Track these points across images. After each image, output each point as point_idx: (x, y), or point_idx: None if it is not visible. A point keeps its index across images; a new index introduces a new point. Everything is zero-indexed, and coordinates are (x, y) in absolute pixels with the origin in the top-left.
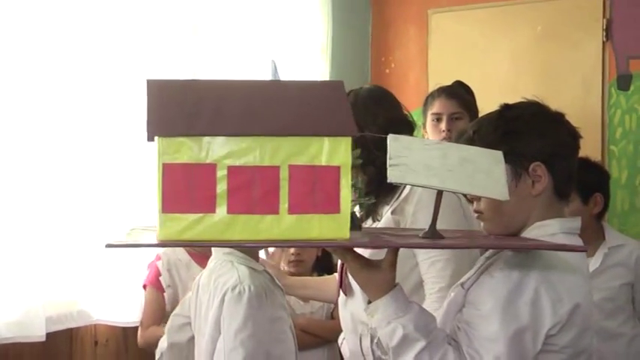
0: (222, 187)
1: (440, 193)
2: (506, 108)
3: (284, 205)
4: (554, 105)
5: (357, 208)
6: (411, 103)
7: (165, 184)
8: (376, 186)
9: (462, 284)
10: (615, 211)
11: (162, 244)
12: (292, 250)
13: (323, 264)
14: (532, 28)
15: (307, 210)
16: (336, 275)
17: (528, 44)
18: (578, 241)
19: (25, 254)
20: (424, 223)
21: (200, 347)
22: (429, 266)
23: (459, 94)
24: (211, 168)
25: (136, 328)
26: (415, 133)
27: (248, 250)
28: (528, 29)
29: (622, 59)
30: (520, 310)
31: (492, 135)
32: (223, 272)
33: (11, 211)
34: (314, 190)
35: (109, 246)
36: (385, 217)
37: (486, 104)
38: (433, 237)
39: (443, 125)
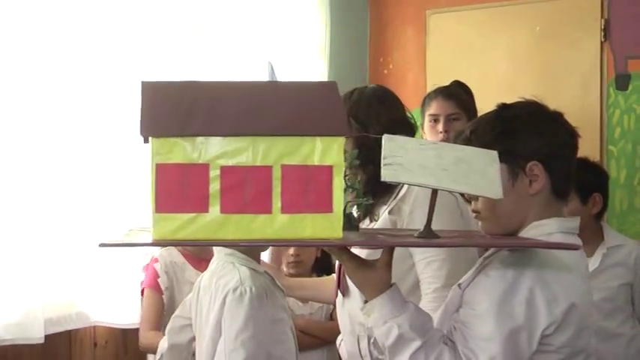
0: (215, 187)
1: (435, 192)
2: (503, 107)
3: (277, 204)
4: (552, 105)
5: (354, 209)
6: (410, 103)
7: (158, 184)
8: (374, 185)
9: (459, 284)
10: (614, 211)
11: (156, 244)
12: (291, 251)
13: (322, 265)
14: (530, 28)
15: (300, 209)
16: (335, 276)
17: (527, 44)
18: (576, 241)
19: (23, 256)
20: (420, 222)
21: (201, 348)
22: (425, 266)
23: (457, 94)
24: (204, 168)
25: (135, 330)
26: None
27: (249, 251)
28: (527, 29)
29: (620, 59)
30: (515, 309)
31: (489, 134)
32: (224, 273)
33: (10, 213)
34: (307, 189)
35: (102, 245)
36: (382, 217)
37: (485, 104)
38: (428, 237)
39: (440, 126)
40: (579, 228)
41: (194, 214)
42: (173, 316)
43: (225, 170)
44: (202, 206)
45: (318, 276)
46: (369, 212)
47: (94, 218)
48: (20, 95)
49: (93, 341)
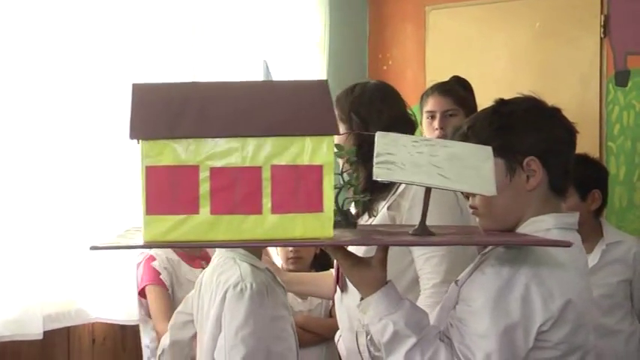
0: (205, 189)
1: (428, 190)
2: (501, 103)
3: (267, 205)
4: (552, 101)
5: (352, 206)
6: (409, 100)
7: (148, 186)
8: (374, 181)
9: (456, 281)
10: (613, 208)
11: (147, 246)
12: (291, 247)
13: (321, 261)
14: (530, 24)
15: (290, 209)
16: (333, 271)
17: (526, 41)
18: (575, 237)
19: (22, 253)
20: (419, 218)
21: (202, 344)
22: (424, 262)
23: (454, 90)
24: (194, 170)
25: (133, 327)
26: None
27: (251, 247)
28: (526, 26)
29: (620, 55)
30: (510, 306)
31: (487, 130)
32: (225, 269)
33: (8, 210)
34: (297, 189)
35: (93, 248)
36: (381, 213)
37: (484, 101)
38: (422, 234)
39: (436, 123)
40: (578, 224)
41: (185, 216)
42: (176, 312)
43: (214, 171)
44: (193, 208)
45: (317, 272)
46: (368, 208)
47: (93, 215)
48: (20, 95)
49: (91, 338)
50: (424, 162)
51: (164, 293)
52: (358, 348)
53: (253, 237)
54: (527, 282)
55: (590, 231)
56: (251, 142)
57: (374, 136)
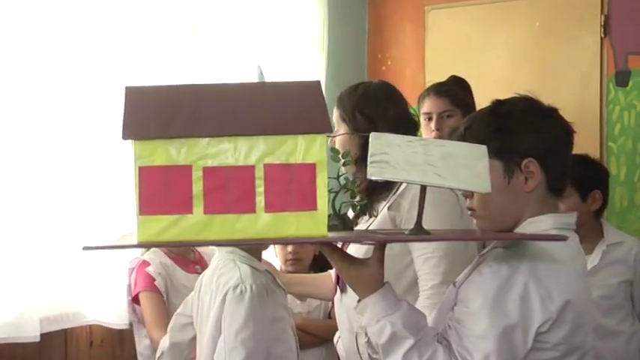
0: (198, 188)
1: (424, 188)
2: (497, 104)
3: (260, 203)
4: (552, 101)
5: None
6: (408, 100)
7: (142, 186)
8: (375, 182)
9: (454, 283)
10: (614, 208)
11: (141, 245)
12: (290, 249)
13: (320, 262)
14: (530, 24)
15: (284, 208)
16: (332, 272)
17: (526, 40)
18: (573, 237)
19: (19, 255)
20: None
21: (201, 346)
22: (423, 262)
23: (450, 91)
24: (187, 170)
25: (131, 330)
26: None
27: (250, 249)
28: (526, 25)
29: (620, 55)
30: (509, 306)
31: (484, 131)
32: (225, 271)
33: (6, 212)
34: (290, 188)
35: (86, 248)
36: (382, 213)
37: (484, 101)
38: (418, 233)
39: (433, 124)
40: (579, 225)
41: (178, 216)
42: (175, 314)
43: (207, 171)
44: (186, 207)
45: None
46: (368, 208)
47: (90, 217)
48: (15, 98)
49: (89, 340)
50: (419, 161)
51: (159, 300)
52: (358, 349)
53: (247, 236)
54: (526, 282)
55: (591, 232)
56: (244, 142)
57: None
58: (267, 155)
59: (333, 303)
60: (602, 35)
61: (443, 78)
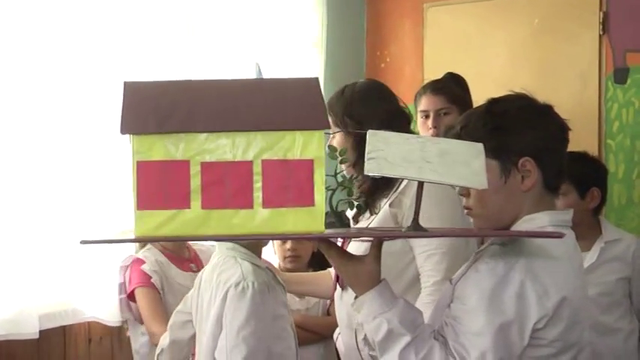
0: (196, 183)
1: (420, 185)
2: (493, 102)
3: (258, 199)
4: (550, 99)
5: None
6: (407, 97)
7: (140, 181)
8: (375, 179)
9: (451, 280)
10: (612, 206)
11: (138, 240)
12: (288, 245)
13: (319, 260)
14: (529, 21)
15: (281, 204)
16: (332, 270)
17: (525, 38)
18: (569, 234)
19: (18, 252)
20: (421, 215)
21: (201, 343)
22: (425, 259)
23: (446, 88)
24: (185, 165)
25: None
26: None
27: (251, 246)
28: (525, 23)
29: (619, 53)
30: (505, 303)
31: (480, 131)
32: (226, 268)
33: (4, 209)
34: (287, 184)
35: (83, 242)
36: (383, 210)
37: (482, 99)
38: (415, 229)
39: (430, 122)
40: (577, 222)
41: (176, 211)
42: (175, 311)
43: (205, 166)
44: (184, 202)
45: (315, 271)
46: (369, 205)
47: (89, 214)
48: (13, 95)
49: (87, 337)
50: (416, 157)
51: (155, 295)
52: (357, 345)
53: (244, 231)
54: (522, 279)
55: (589, 229)
56: (242, 137)
57: None
58: (265, 151)
59: (332, 300)
60: (601, 33)
61: (441, 75)
